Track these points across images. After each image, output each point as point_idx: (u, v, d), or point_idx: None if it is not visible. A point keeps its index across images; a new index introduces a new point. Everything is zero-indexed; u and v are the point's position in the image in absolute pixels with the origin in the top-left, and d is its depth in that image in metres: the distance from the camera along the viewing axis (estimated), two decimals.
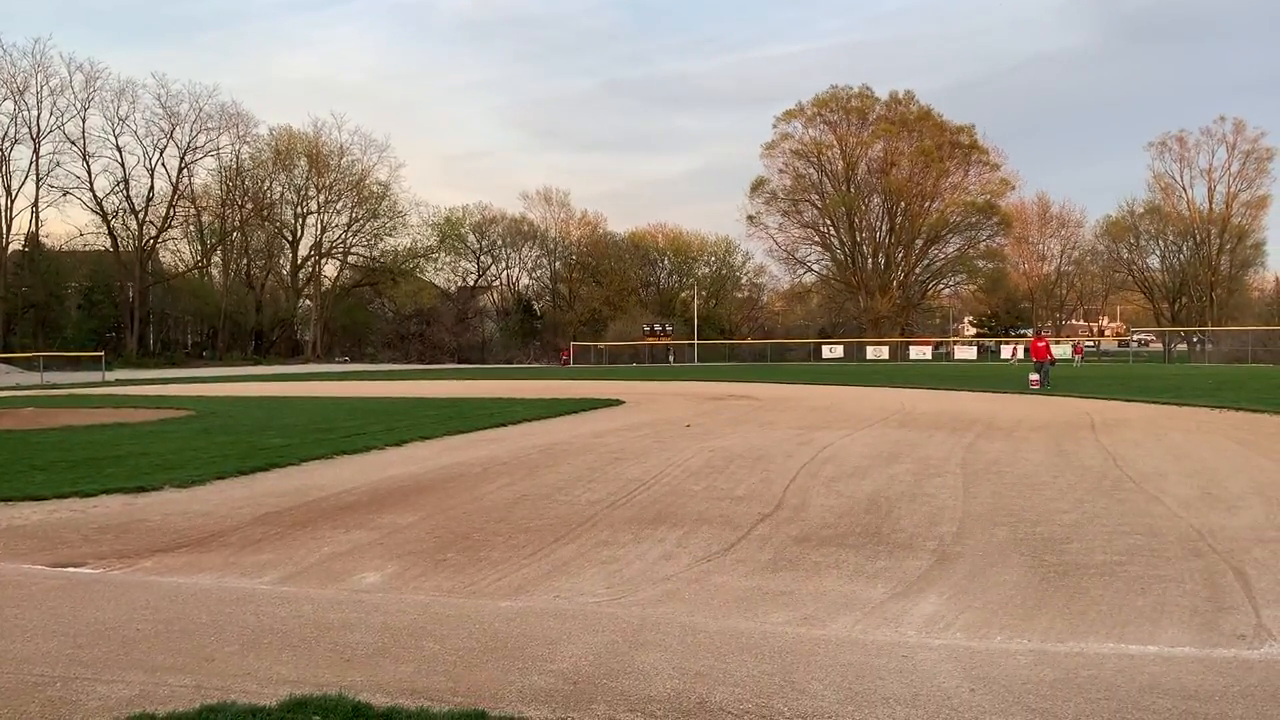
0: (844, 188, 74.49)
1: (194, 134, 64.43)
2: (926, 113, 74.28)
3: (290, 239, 72.83)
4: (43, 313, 58.94)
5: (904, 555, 6.42)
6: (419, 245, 76.44)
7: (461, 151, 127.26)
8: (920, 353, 64.71)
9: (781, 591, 5.57)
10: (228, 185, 68.65)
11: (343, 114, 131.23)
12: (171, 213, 65.40)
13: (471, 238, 78.71)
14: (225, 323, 67.58)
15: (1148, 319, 73.68)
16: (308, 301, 74.56)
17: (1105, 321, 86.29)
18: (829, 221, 75.70)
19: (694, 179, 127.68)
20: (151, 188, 64.06)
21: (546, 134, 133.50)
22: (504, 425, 15.59)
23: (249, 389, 29.22)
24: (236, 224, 69.36)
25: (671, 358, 65.54)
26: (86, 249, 62.91)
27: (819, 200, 75.40)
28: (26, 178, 59.59)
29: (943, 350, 67.76)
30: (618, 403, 21.11)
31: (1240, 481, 9.31)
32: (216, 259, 71.34)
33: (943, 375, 36.92)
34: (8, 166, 58.99)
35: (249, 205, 69.49)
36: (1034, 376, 25.47)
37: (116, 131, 62.31)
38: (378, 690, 3.77)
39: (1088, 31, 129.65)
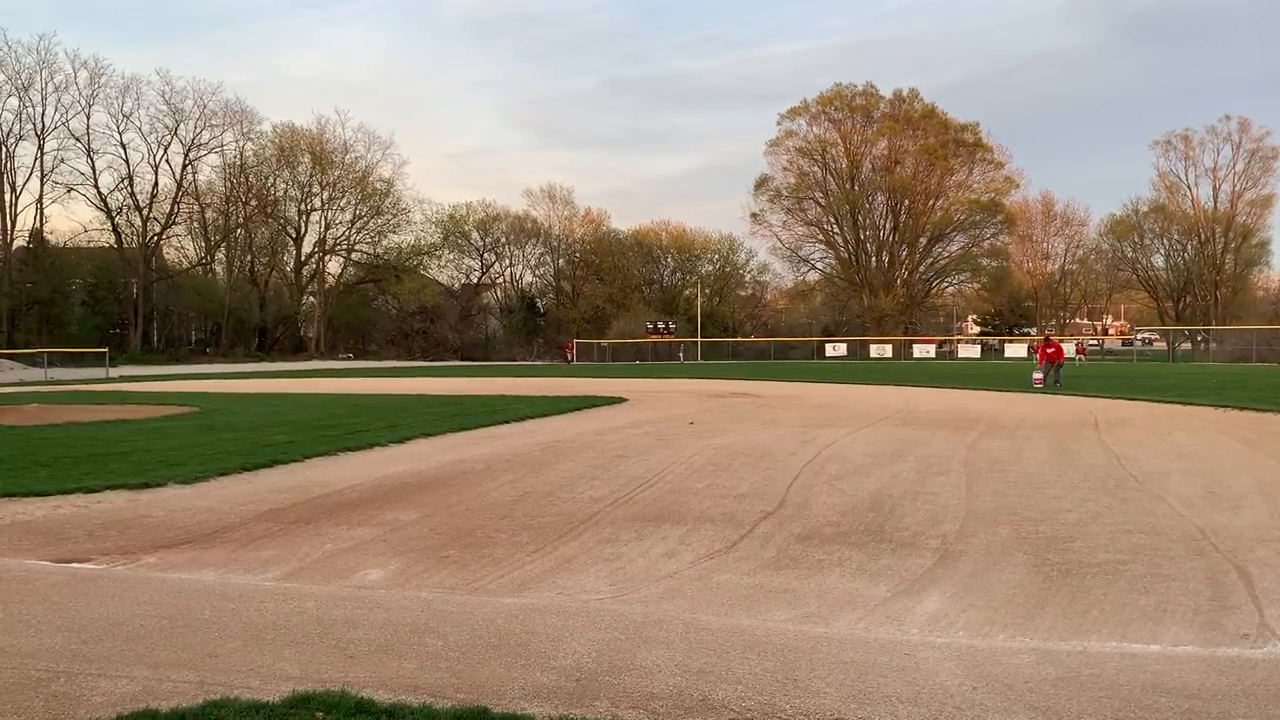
0: (848, 185, 74.38)
1: (198, 131, 64.44)
2: (930, 111, 74.16)
3: (294, 236, 72.85)
4: (47, 309, 58.97)
5: (907, 554, 6.42)
6: (423, 242, 76.53)
7: (465, 149, 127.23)
8: (923, 351, 64.56)
9: (784, 589, 5.57)
10: (232, 182, 68.70)
11: (346, 111, 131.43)
12: (175, 209, 65.42)
13: (475, 235, 78.66)
14: (229, 319, 67.59)
15: (1152, 318, 73.46)
16: (311, 298, 74.62)
17: (1109, 320, 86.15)
18: (833, 219, 75.66)
19: (697, 177, 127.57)
20: (156, 184, 64.15)
21: (550, 132, 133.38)
22: (507, 422, 15.60)
23: (252, 386, 29.25)
24: (240, 221, 69.35)
25: (682, 356, 65.48)
26: (91, 245, 62.94)
27: (823, 198, 75.35)
28: (31, 174, 59.62)
29: (946, 349, 67.60)
30: (621, 400, 21.11)
31: (1244, 481, 9.30)
32: (220, 256, 71.26)
33: (946, 374, 36.86)
34: (12, 163, 58.97)
35: (253, 202, 69.51)
36: (1037, 375, 25.51)
37: (121, 128, 62.27)
38: (381, 687, 3.78)
39: (1091, 30, 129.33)
